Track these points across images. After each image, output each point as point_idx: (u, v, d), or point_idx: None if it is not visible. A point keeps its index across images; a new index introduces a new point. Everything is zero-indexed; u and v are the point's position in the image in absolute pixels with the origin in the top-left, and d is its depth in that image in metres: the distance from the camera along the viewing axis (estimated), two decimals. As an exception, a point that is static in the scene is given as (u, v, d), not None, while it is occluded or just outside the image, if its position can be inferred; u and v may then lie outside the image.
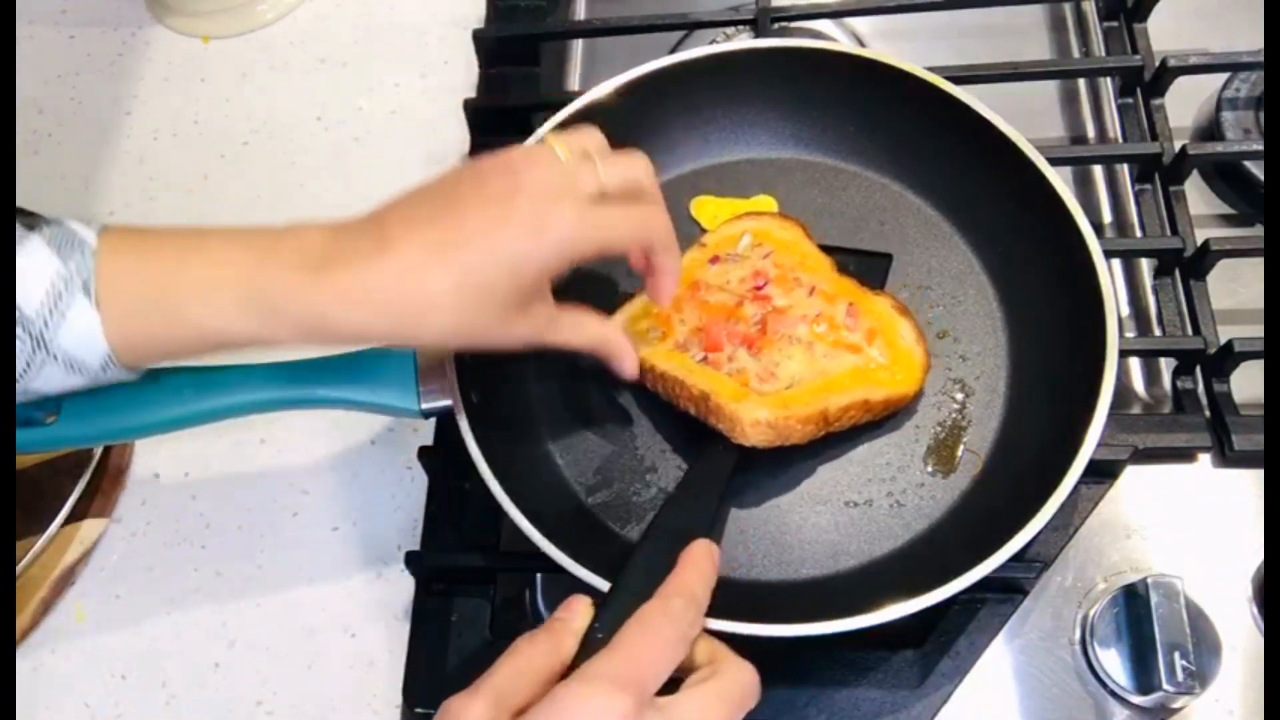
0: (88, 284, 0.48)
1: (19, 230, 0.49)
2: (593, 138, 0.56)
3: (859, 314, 0.64)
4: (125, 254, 0.50)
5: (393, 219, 0.51)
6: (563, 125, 0.69)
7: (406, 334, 0.52)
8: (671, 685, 0.47)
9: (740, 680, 0.49)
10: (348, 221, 0.53)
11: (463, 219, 0.50)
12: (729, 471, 0.60)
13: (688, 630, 0.48)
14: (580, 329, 0.58)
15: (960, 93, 0.68)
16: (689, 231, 0.71)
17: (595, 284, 0.70)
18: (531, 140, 0.57)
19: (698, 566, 0.51)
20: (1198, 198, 0.74)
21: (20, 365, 0.49)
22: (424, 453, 0.68)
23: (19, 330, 0.48)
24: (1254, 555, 0.62)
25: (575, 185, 0.52)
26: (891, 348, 0.64)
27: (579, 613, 0.50)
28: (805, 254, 0.67)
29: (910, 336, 0.65)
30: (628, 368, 0.60)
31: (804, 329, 0.63)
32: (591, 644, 0.48)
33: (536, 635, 0.48)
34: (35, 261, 0.48)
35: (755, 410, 0.59)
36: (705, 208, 0.73)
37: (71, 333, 0.48)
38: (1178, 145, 0.72)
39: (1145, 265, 0.73)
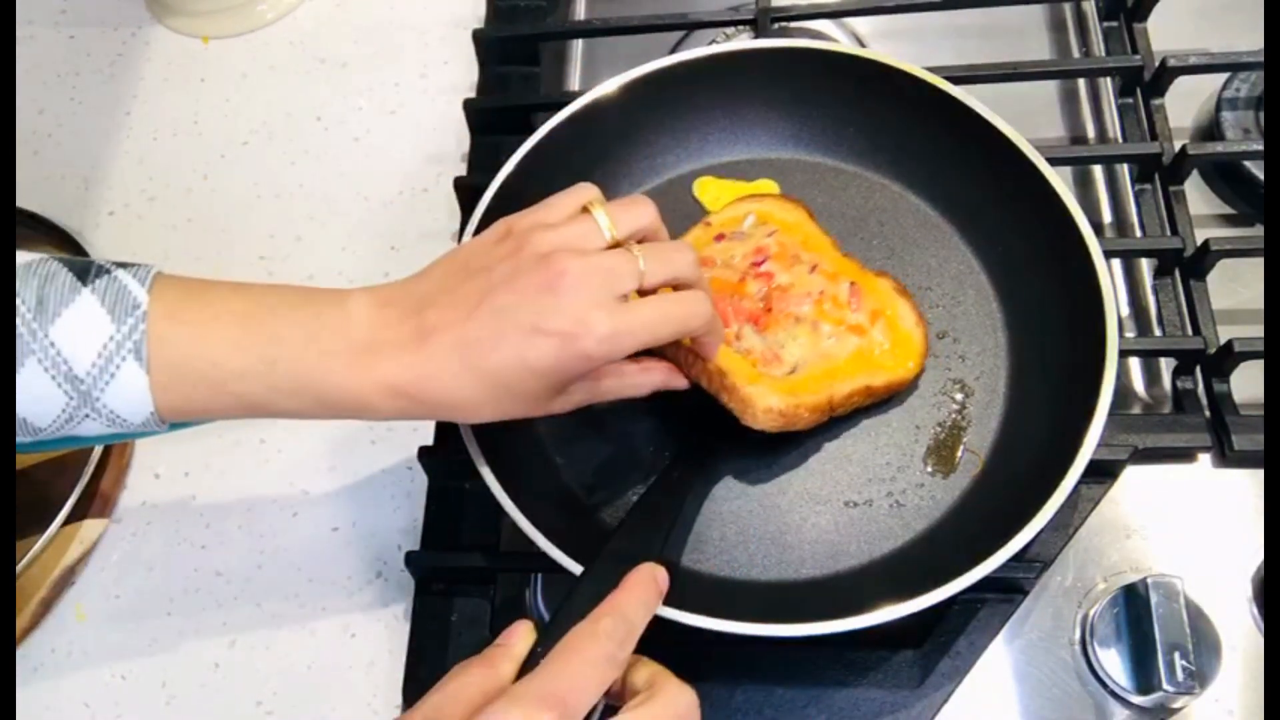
0: (139, 348, 0.49)
1: (69, 281, 0.49)
2: (645, 213, 0.54)
3: (861, 294, 0.65)
4: (178, 324, 0.50)
5: (431, 311, 0.51)
6: (564, 126, 0.69)
7: (445, 418, 0.55)
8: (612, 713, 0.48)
9: (676, 704, 0.48)
10: (392, 294, 0.53)
11: (499, 319, 0.50)
12: (684, 496, 0.60)
13: (615, 650, 0.47)
14: (622, 381, 0.58)
15: (960, 93, 0.68)
16: (692, 212, 0.72)
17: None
18: (578, 197, 0.55)
19: (635, 588, 0.50)
20: (1198, 198, 0.74)
21: (60, 418, 0.49)
22: (424, 453, 0.69)
23: (68, 389, 0.48)
24: (1254, 555, 0.62)
25: (614, 284, 0.51)
26: (893, 330, 0.64)
27: (520, 637, 0.49)
28: (808, 234, 0.68)
29: (910, 319, 0.65)
30: (677, 383, 0.61)
31: (809, 307, 0.64)
32: (532, 666, 0.48)
33: (473, 660, 0.48)
34: (87, 322, 0.48)
35: (768, 397, 0.60)
36: (707, 189, 0.74)
37: (119, 395, 0.49)
38: (1178, 145, 0.72)
39: (1145, 265, 0.73)
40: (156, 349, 0.49)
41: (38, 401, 0.48)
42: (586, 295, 0.50)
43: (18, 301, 0.48)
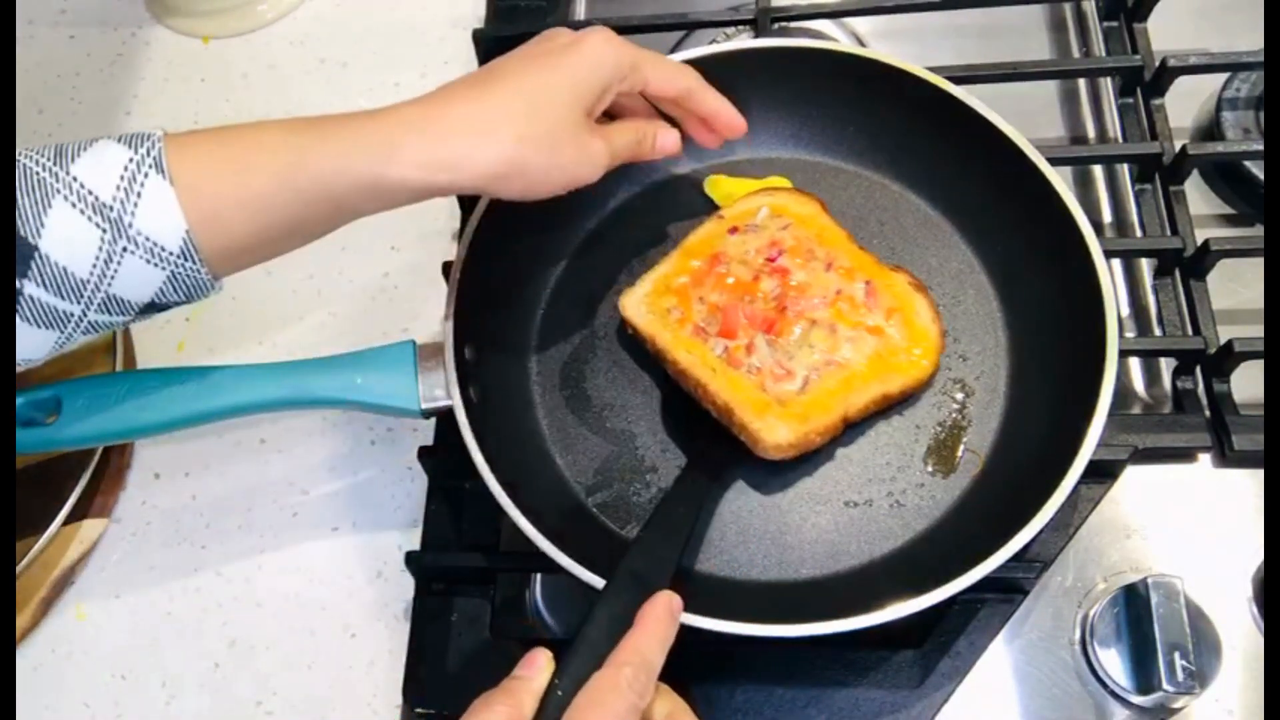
0: (159, 162, 0.49)
1: (82, 140, 0.50)
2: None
3: (878, 292, 0.64)
4: (195, 135, 0.51)
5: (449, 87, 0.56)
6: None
7: (486, 148, 0.54)
8: None
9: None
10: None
11: (515, 66, 0.57)
12: (700, 506, 0.60)
13: (637, 700, 0.48)
14: (625, 134, 0.61)
15: (960, 93, 0.68)
16: (697, 210, 0.72)
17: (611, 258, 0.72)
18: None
19: (654, 624, 0.51)
20: (1198, 198, 0.74)
21: (100, 260, 0.48)
22: (424, 453, 0.69)
23: (98, 220, 0.48)
24: (1254, 555, 0.62)
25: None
26: (909, 326, 0.64)
27: (539, 669, 0.49)
28: (823, 228, 0.68)
29: (927, 314, 0.65)
30: (671, 144, 0.64)
31: (824, 310, 0.64)
32: (551, 701, 0.48)
33: (494, 695, 0.48)
34: (106, 155, 0.49)
35: (777, 430, 0.60)
36: (719, 186, 0.74)
37: (148, 212, 0.48)
38: (1178, 145, 0.72)
39: (1145, 265, 0.73)
40: (177, 163, 0.49)
41: (71, 244, 0.48)
42: (582, 33, 0.58)
43: (30, 161, 0.48)
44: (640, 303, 0.66)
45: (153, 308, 0.52)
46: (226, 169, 0.50)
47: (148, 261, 0.49)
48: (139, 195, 0.48)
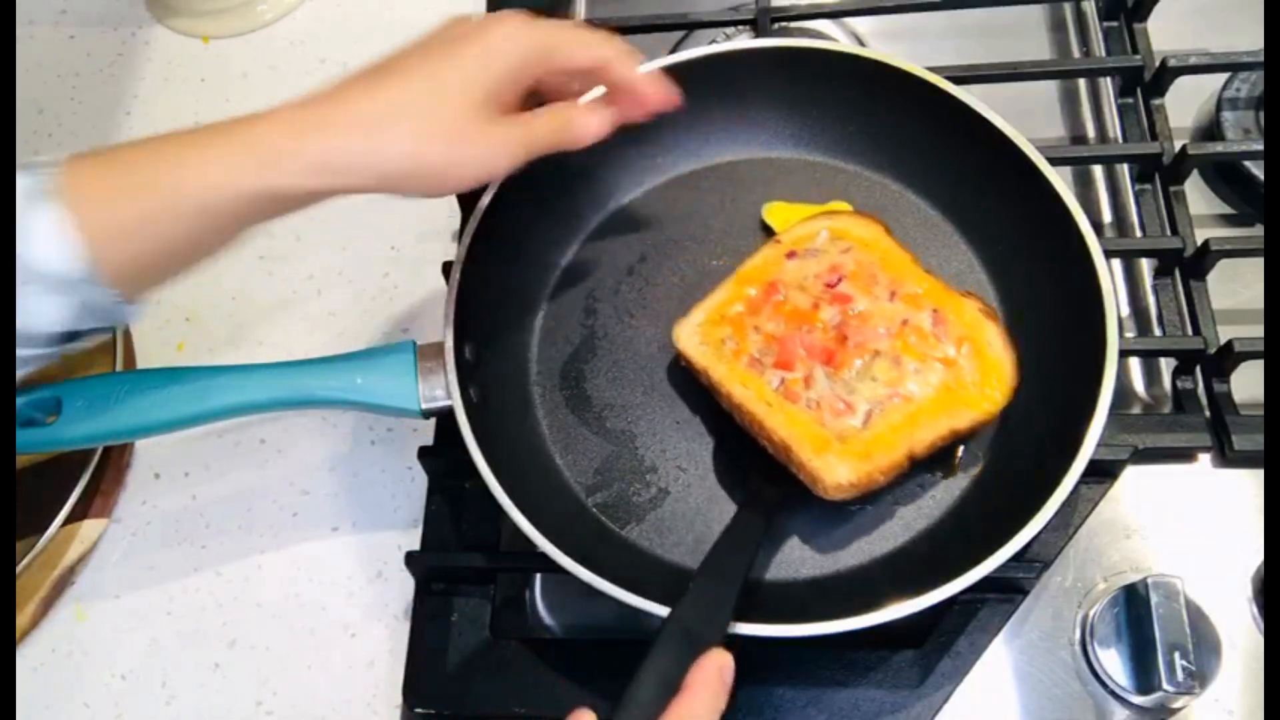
0: (51, 188, 0.47)
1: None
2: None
3: (946, 320, 0.62)
4: (94, 157, 0.49)
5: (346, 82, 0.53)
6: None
7: (380, 146, 0.52)
8: None
9: None
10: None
11: (413, 58, 0.55)
12: (753, 555, 0.57)
13: None
14: (545, 123, 0.57)
15: (960, 93, 0.68)
16: (707, 206, 0.72)
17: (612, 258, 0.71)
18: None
19: (703, 690, 0.48)
20: (1198, 198, 0.74)
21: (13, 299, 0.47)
22: (424, 453, 0.68)
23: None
24: (1254, 555, 0.62)
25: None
26: (980, 357, 0.61)
27: None
28: (886, 251, 0.65)
29: (999, 344, 0.61)
30: (593, 128, 0.59)
31: (887, 341, 0.61)
32: None
33: None
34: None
35: (837, 470, 0.58)
36: (778, 213, 0.71)
37: (41, 240, 0.46)
38: (1178, 145, 0.72)
39: (1145, 265, 0.73)
40: (73, 187, 0.47)
41: None
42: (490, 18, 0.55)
43: None
44: (694, 333, 0.64)
45: (72, 337, 0.51)
46: (121, 190, 0.49)
47: (51, 291, 0.48)
48: (30, 225, 0.47)
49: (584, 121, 0.58)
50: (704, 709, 0.48)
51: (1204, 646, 0.59)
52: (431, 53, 0.55)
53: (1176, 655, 0.57)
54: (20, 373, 0.50)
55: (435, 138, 0.52)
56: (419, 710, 0.64)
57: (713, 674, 0.49)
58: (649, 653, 0.50)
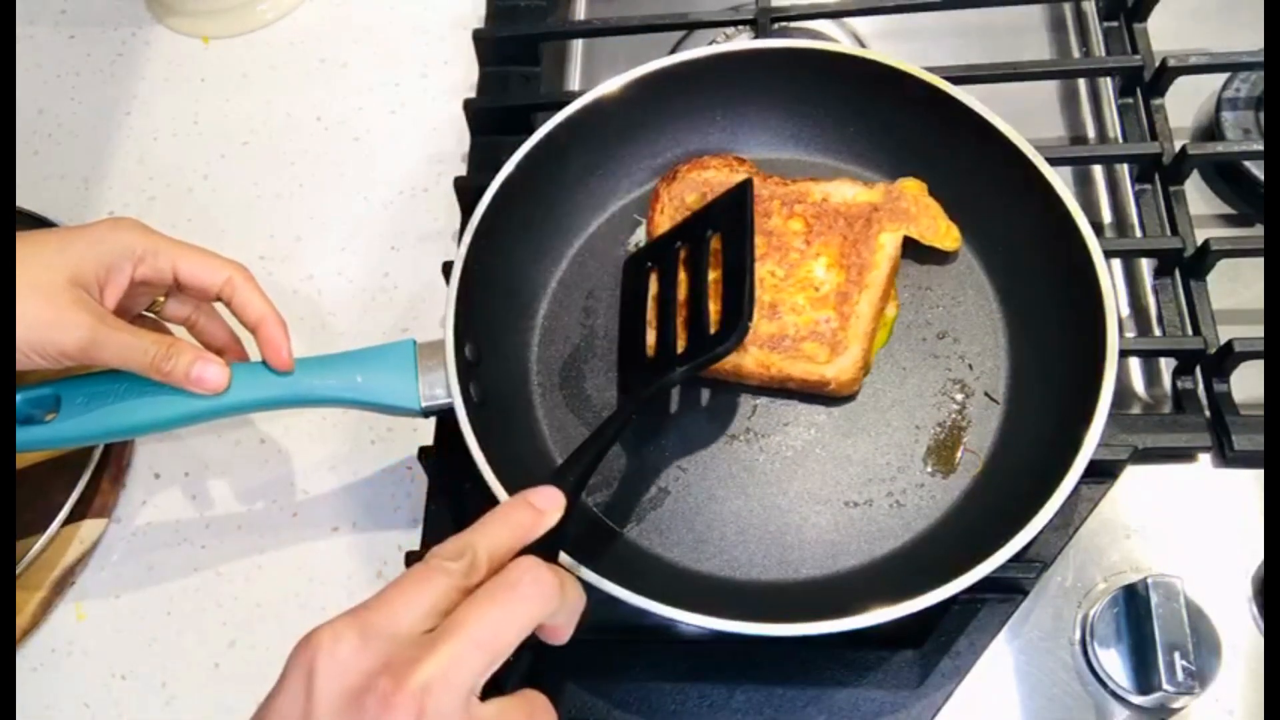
0: None
1: None
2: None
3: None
4: None
5: None
6: (565, 126, 0.69)
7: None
8: None
9: (508, 577, 0.44)
10: None
11: (49, 237, 0.58)
12: (613, 435, 0.56)
13: (445, 563, 0.44)
14: (136, 339, 0.58)
15: (960, 93, 0.68)
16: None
17: (612, 259, 0.70)
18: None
19: (499, 514, 0.48)
20: (1198, 198, 0.74)
21: None
22: (424, 453, 0.69)
23: None
24: (1254, 555, 0.62)
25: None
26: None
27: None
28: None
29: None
30: (211, 378, 0.59)
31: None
32: None
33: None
34: None
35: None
36: None
37: None
38: (1178, 145, 0.72)
39: (1145, 265, 0.73)
40: None
41: None
42: None
43: None
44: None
45: None
46: None
47: None
48: None
49: (200, 367, 0.59)
50: (490, 527, 0.47)
51: (1204, 646, 0.59)
52: (63, 233, 0.59)
53: (1176, 655, 0.57)
54: None
55: (26, 306, 0.55)
56: (419, 710, 0.63)
57: (513, 500, 0.49)
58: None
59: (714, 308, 0.63)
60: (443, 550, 0.46)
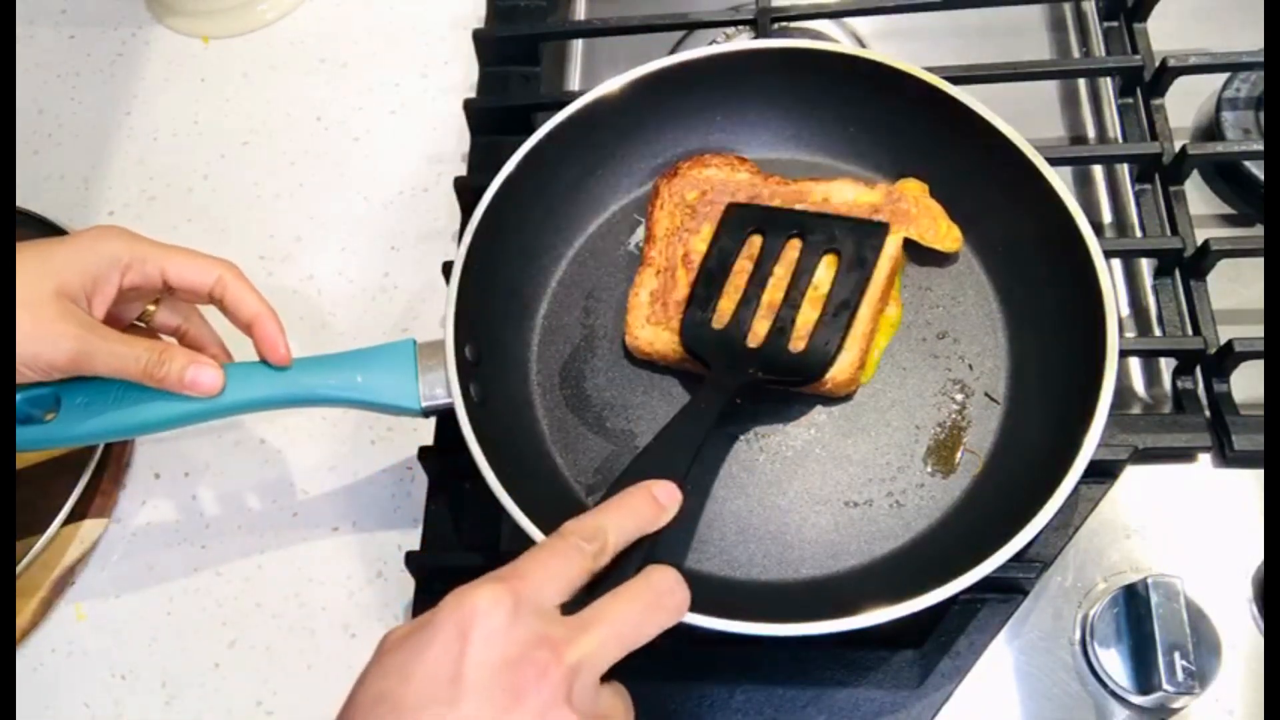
0: None
1: None
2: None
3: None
4: None
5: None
6: (565, 126, 0.69)
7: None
8: None
9: (651, 582, 0.48)
10: None
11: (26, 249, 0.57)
12: (709, 423, 0.58)
13: (581, 543, 0.47)
14: (130, 346, 0.58)
15: (960, 93, 0.68)
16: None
17: (612, 258, 0.70)
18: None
19: (624, 499, 0.51)
20: (1198, 198, 0.74)
21: None
22: (424, 453, 0.69)
23: None
24: (1254, 555, 0.62)
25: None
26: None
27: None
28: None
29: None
30: (206, 381, 0.59)
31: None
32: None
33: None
34: None
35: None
36: None
37: None
38: (1178, 145, 0.72)
39: (1145, 265, 0.73)
40: None
41: None
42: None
43: None
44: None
45: None
46: None
47: None
48: None
49: (194, 370, 0.58)
50: (616, 512, 0.50)
51: (1204, 646, 0.59)
52: (50, 244, 0.58)
53: (1176, 655, 0.57)
54: None
55: (20, 319, 0.55)
56: (419, 710, 0.63)
57: (639, 489, 0.52)
58: (603, 496, 0.52)
59: (800, 320, 0.64)
60: (579, 529, 0.48)
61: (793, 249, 0.67)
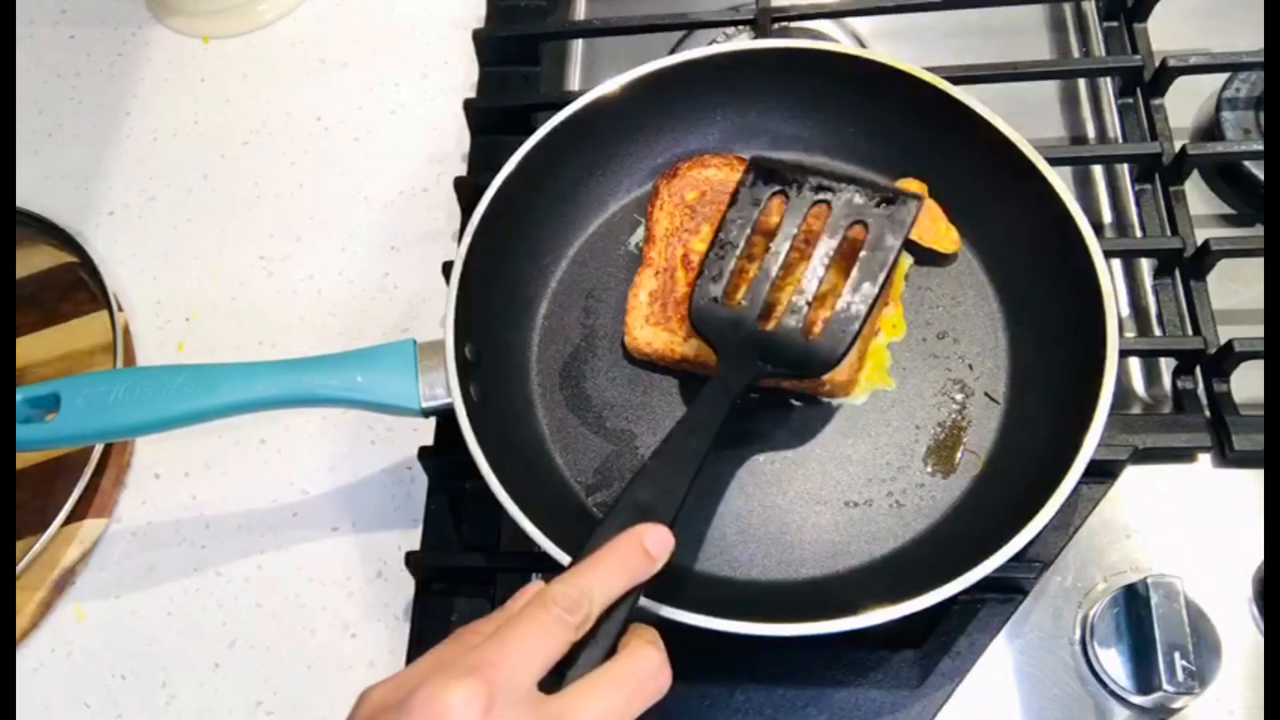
0: None
1: None
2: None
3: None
4: None
5: None
6: (565, 126, 0.69)
7: None
8: None
9: (635, 667, 0.46)
10: None
11: None
12: (710, 437, 0.55)
13: (563, 615, 0.45)
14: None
15: (960, 93, 0.68)
16: None
17: (611, 258, 0.70)
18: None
19: (611, 556, 0.48)
20: (1198, 198, 0.74)
21: None
22: (424, 453, 0.69)
23: None
24: (1254, 555, 0.62)
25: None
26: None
27: (526, 598, 0.48)
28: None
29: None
30: None
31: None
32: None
33: (476, 623, 0.48)
34: None
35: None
36: None
37: None
38: (1178, 145, 0.72)
39: (1145, 265, 0.73)
40: None
41: None
42: None
43: None
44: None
45: None
46: None
47: None
48: None
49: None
50: (603, 570, 0.48)
51: (1204, 646, 0.59)
52: None
53: (1176, 655, 0.57)
54: None
55: None
56: (419, 710, 0.63)
57: (631, 541, 0.49)
58: (595, 530, 0.50)
59: (816, 304, 0.60)
60: (560, 597, 0.46)
61: (815, 219, 0.62)
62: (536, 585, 0.48)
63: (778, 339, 0.60)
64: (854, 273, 0.60)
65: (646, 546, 0.49)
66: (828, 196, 0.62)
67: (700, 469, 0.54)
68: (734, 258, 0.62)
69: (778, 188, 0.63)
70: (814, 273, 0.60)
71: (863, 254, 0.60)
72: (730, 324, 0.61)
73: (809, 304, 0.60)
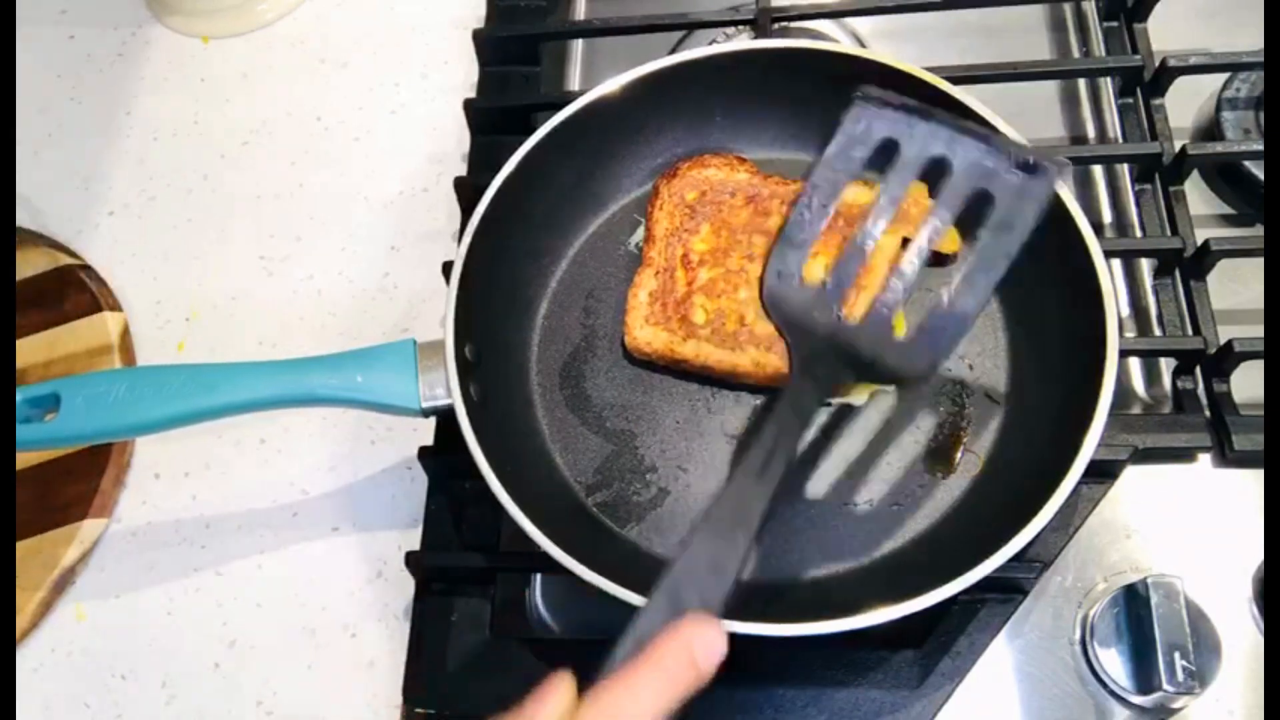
0: None
1: None
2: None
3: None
4: None
5: None
6: (565, 126, 0.69)
7: None
8: None
9: None
10: None
11: None
12: (780, 475, 0.47)
13: None
14: None
15: (960, 93, 0.68)
16: None
17: (611, 258, 0.69)
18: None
19: (658, 665, 0.42)
20: (1198, 198, 0.74)
21: None
22: (424, 453, 0.69)
23: None
24: (1254, 555, 0.62)
25: None
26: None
27: (553, 700, 0.43)
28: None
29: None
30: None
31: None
32: None
33: None
34: None
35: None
36: None
37: None
38: (1178, 145, 0.72)
39: (1145, 265, 0.73)
40: None
41: None
42: None
43: None
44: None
45: None
46: None
47: None
48: None
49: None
50: (643, 688, 0.42)
51: (1204, 646, 0.59)
52: None
53: (1176, 655, 0.57)
54: None
55: None
56: (419, 710, 0.64)
57: (675, 649, 0.43)
58: (636, 615, 0.45)
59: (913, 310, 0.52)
60: None
61: (920, 189, 0.50)
62: (562, 688, 0.43)
63: (863, 339, 0.51)
64: (971, 259, 0.49)
65: (695, 656, 0.43)
66: (947, 152, 0.50)
67: (763, 525, 0.46)
68: (822, 223, 0.51)
69: (886, 135, 0.51)
70: (918, 254, 0.50)
71: (983, 235, 0.48)
72: (807, 310, 0.50)
73: (906, 292, 0.50)
